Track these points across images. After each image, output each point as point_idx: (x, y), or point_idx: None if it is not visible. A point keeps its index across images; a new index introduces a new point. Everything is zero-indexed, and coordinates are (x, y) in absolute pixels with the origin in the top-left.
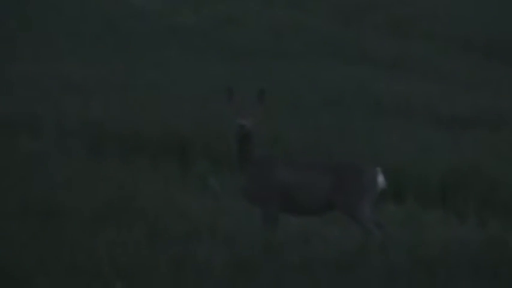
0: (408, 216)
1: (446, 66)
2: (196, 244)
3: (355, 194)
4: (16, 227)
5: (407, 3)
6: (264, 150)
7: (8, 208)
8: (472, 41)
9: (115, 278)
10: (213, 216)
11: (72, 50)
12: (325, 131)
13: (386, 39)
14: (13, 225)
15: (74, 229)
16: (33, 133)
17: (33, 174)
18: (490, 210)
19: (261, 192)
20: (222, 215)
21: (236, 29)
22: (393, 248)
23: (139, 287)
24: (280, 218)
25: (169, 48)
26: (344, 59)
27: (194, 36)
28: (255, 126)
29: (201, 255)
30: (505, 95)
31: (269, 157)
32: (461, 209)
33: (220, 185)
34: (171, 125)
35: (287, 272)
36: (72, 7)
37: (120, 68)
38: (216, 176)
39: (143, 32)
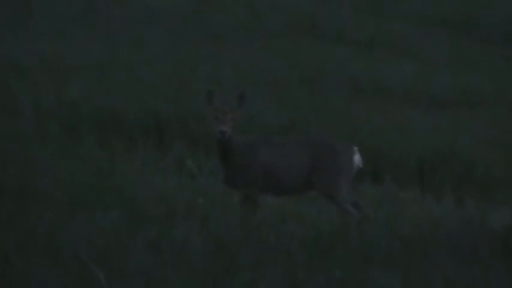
0: (386, 196)
1: (425, 46)
2: (174, 225)
3: (332, 172)
4: None
5: None
6: (245, 134)
7: None
8: (450, 20)
9: (92, 260)
10: (190, 197)
11: (50, 30)
12: (302, 110)
13: (365, 18)
14: None
15: (50, 210)
16: (10, 113)
17: (10, 154)
18: (467, 190)
19: (245, 176)
20: (199, 196)
21: (214, 8)
22: (370, 227)
23: (116, 268)
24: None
25: (147, 28)
26: (322, 38)
27: (172, 16)
28: (234, 129)
29: (178, 236)
30: (483, 74)
31: (251, 140)
32: (439, 188)
33: (197, 166)
34: (148, 106)
35: (264, 252)
36: None
37: (97, 48)
38: (193, 157)
39: (120, 12)
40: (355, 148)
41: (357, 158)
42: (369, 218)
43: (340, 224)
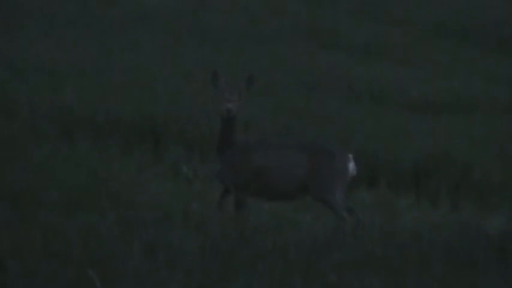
0: (381, 201)
1: (420, 51)
2: (169, 230)
3: (326, 177)
4: None
5: None
6: (240, 134)
7: None
8: (445, 26)
9: (87, 264)
10: (186, 202)
11: (46, 33)
12: (298, 115)
13: (361, 24)
14: None
15: (46, 214)
16: (5, 116)
17: (5, 157)
18: (462, 195)
19: (237, 175)
20: (195, 201)
21: (210, 11)
22: (366, 233)
23: (112, 272)
24: (253, 205)
25: (143, 32)
26: (318, 43)
27: (167, 19)
28: (239, 110)
29: (173, 241)
30: (479, 79)
31: (246, 141)
32: (434, 193)
33: (192, 171)
34: (144, 109)
35: (260, 258)
36: None
37: (93, 51)
38: (189, 161)
39: (116, 15)
40: (350, 156)
41: (352, 166)
42: (364, 223)
43: (335, 230)
